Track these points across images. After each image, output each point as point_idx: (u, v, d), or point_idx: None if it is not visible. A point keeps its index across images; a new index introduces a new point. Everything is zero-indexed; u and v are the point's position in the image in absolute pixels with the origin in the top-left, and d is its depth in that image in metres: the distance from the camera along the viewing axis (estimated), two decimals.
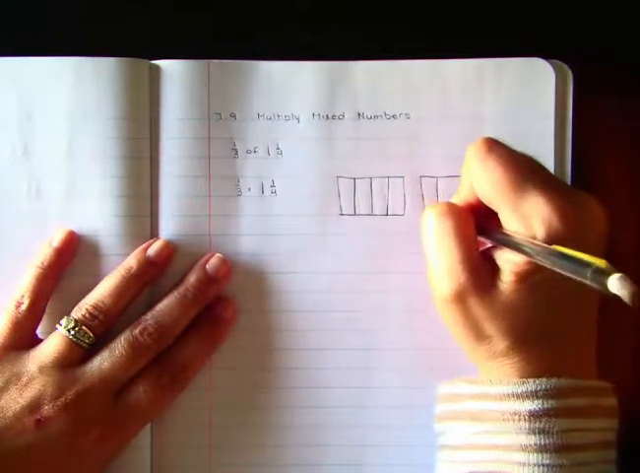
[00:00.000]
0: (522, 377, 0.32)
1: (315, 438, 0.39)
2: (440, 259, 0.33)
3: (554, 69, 0.38)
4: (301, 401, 0.39)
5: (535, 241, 0.30)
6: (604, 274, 0.26)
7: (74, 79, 0.38)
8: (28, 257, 0.37)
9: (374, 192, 0.39)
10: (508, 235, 0.31)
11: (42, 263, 0.37)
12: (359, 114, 0.39)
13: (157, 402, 0.37)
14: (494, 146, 0.33)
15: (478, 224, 0.34)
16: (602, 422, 0.33)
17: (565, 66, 0.39)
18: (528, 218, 0.31)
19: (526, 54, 0.39)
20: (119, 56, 0.38)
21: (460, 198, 0.35)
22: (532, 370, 0.32)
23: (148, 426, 0.38)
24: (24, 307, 0.36)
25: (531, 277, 0.32)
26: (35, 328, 0.37)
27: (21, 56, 0.38)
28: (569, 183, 0.38)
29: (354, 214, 0.39)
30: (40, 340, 0.37)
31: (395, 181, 0.39)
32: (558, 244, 0.29)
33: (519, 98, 0.39)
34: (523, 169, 0.32)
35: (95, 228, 0.38)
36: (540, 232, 0.30)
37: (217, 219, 0.39)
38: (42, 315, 0.37)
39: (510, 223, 0.32)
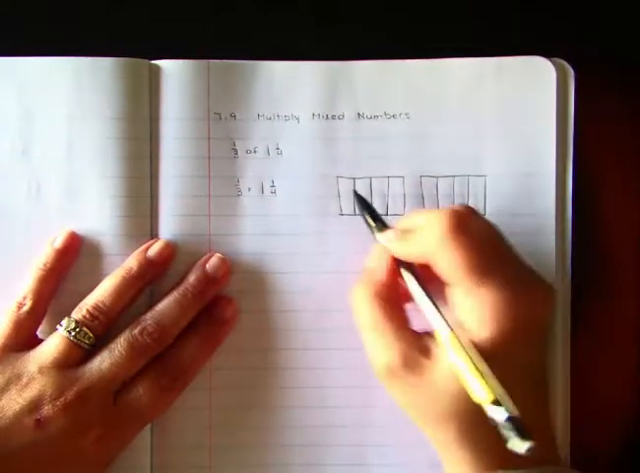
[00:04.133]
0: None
1: (316, 437, 0.39)
2: (372, 342, 0.33)
3: (556, 67, 0.38)
4: (302, 401, 0.39)
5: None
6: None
7: (74, 79, 0.38)
8: (28, 257, 0.37)
9: (374, 192, 0.39)
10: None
11: (45, 265, 0.37)
12: (359, 114, 0.39)
13: (156, 402, 0.36)
14: (462, 224, 0.31)
15: (417, 273, 0.33)
16: None
17: (566, 64, 0.39)
18: (482, 303, 0.31)
19: (527, 53, 0.38)
20: (119, 56, 0.38)
21: (410, 250, 0.33)
22: (483, 464, 0.31)
23: (148, 426, 0.38)
24: (25, 309, 0.36)
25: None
26: (36, 329, 0.37)
27: (21, 56, 0.38)
28: (570, 184, 0.38)
29: (354, 214, 0.39)
30: (41, 340, 0.37)
31: (395, 181, 0.39)
32: (501, 341, 0.30)
33: (520, 97, 0.38)
34: (486, 257, 0.31)
35: (95, 228, 0.38)
36: (486, 326, 0.30)
37: (217, 219, 0.39)
38: (44, 316, 0.37)
39: (462, 300, 0.31)
